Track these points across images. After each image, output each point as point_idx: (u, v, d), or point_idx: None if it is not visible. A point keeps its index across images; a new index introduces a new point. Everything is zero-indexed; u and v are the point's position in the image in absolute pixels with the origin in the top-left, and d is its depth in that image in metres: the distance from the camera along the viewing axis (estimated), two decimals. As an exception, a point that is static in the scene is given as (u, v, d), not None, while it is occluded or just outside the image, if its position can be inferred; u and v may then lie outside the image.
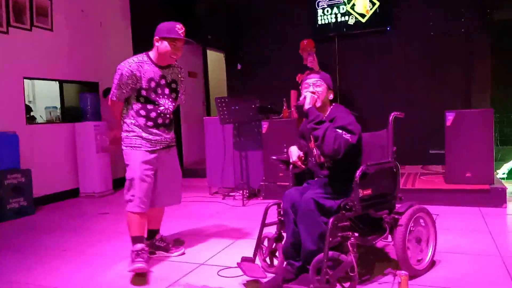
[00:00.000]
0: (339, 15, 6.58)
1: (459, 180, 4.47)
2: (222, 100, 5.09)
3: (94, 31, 6.42)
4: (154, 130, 3.06)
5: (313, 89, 2.59)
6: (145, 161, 3.02)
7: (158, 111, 3.05)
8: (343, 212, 2.37)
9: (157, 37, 2.98)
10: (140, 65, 2.98)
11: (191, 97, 7.69)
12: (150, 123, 3.04)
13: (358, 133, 2.48)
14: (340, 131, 2.42)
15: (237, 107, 5.06)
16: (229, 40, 7.48)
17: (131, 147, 3.04)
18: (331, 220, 2.29)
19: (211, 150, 5.68)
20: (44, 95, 6.18)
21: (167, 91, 3.10)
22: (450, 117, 4.48)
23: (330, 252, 2.25)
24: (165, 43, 2.96)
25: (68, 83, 6.07)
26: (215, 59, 8.59)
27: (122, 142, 3.09)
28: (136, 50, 7.17)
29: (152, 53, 3.05)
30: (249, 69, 7.48)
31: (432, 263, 2.75)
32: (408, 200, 2.75)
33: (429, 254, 2.73)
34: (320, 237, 2.34)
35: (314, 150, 2.67)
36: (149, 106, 3.03)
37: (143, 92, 3.00)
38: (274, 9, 7.14)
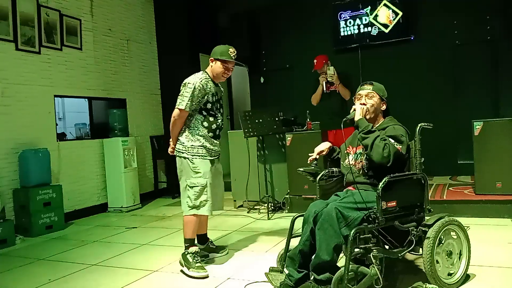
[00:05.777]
0: (361, 26, 6.57)
1: (489, 191, 4.36)
2: (246, 113, 5.13)
3: (122, 48, 6.59)
4: (214, 141, 3.42)
5: (364, 101, 2.71)
6: (211, 169, 3.37)
7: (217, 123, 3.42)
8: (365, 224, 2.35)
9: (212, 58, 3.38)
10: (207, 81, 3.34)
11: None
12: (211, 134, 3.38)
13: (407, 145, 2.55)
14: (392, 140, 2.50)
15: (261, 120, 5.10)
16: (252, 53, 7.54)
17: (199, 156, 3.32)
18: (352, 231, 2.26)
19: (235, 163, 5.72)
20: (74, 112, 6.35)
21: (219, 105, 3.48)
22: (478, 126, 4.40)
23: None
24: (218, 63, 3.35)
25: (97, 100, 6.24)
26: (238, 72, 8.67)
27: (182, 151, 3.32)
28: (161, 65, 7.33)
29: (208, 72, 3.41)
30: (272, 81, 7.52)
31: (466, 277, 2.68)
32: (438, 212, 2.69)
33: (462, 267, 2.66)
34: (335, 249, 2.32)
35: (352, 159, 2.72)
36: (211, 118, 3.37)
37: (208, 105, 3.33)
38: (296, 21, 7.18)
